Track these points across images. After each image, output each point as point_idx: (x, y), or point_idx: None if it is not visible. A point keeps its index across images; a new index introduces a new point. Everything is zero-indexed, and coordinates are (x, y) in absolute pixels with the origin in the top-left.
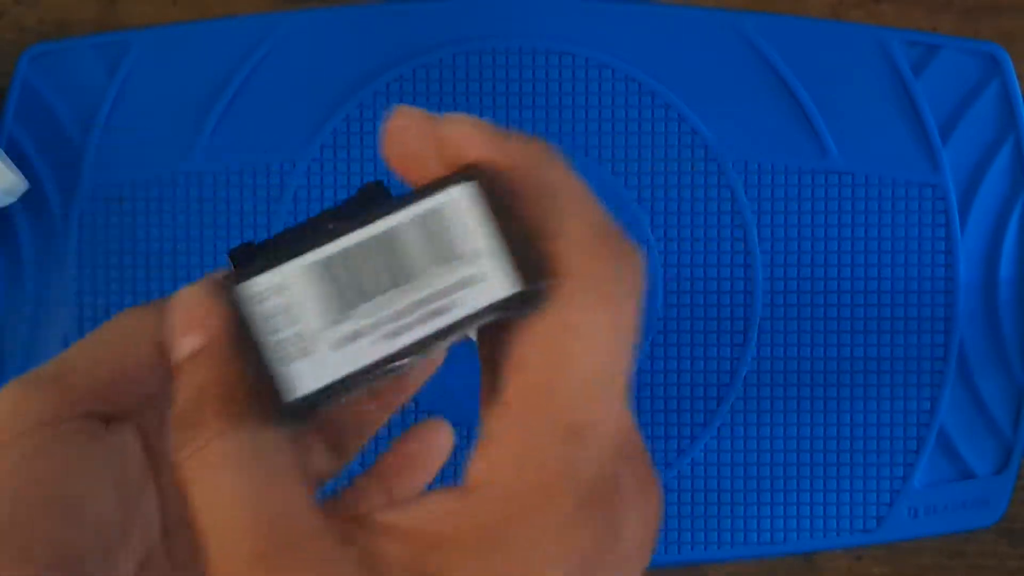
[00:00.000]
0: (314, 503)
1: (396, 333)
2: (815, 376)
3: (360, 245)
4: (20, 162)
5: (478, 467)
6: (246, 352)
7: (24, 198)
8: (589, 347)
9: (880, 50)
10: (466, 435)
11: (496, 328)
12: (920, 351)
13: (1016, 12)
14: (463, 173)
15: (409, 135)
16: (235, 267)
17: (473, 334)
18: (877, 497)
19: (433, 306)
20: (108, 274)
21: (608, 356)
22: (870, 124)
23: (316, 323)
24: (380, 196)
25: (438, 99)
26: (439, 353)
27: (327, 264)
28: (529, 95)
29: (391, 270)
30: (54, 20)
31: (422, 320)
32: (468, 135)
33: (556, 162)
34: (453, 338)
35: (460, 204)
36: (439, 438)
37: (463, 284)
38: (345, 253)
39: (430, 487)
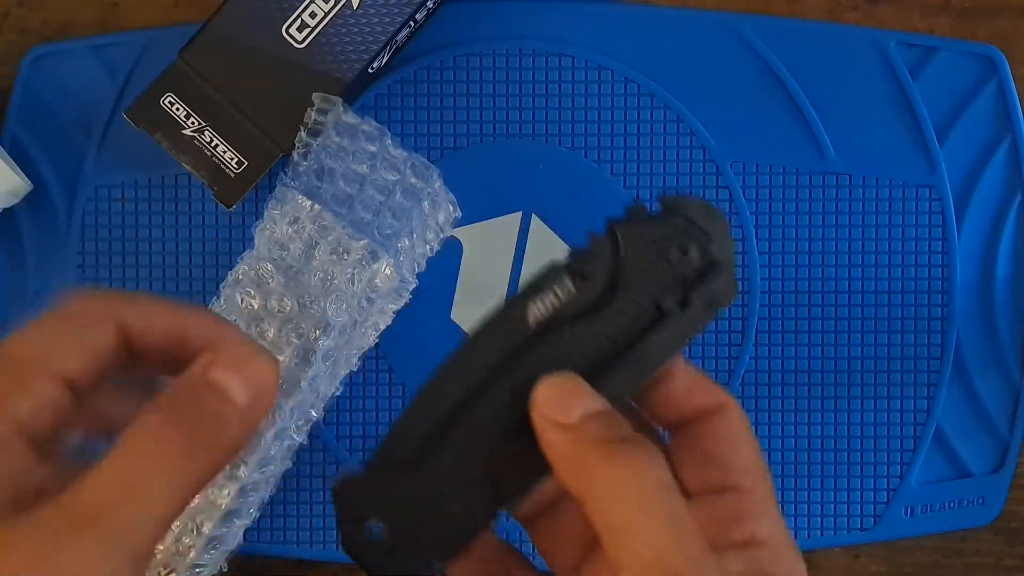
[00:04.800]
0: None
1: None
2: (812, 376)
3: None
4: (23, 164)
5: None
6: None
7: (27, 199)
8: None
9: (877, 52)
10: None
11: None
12: (917, 351)
13: (1012, 14)
14: None
15: None
16: None
17: None
18: (874, 496)
19: None
20: (111, 275)
21: None
22: (867, 125)
23: None
24: None
25: (439, 100)
26: None
27: None
28: (529, 96)
29: None
30: (57, 22)
31: None
32: None
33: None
34: None
35: None
36: None
37: None
38: None
39: None
